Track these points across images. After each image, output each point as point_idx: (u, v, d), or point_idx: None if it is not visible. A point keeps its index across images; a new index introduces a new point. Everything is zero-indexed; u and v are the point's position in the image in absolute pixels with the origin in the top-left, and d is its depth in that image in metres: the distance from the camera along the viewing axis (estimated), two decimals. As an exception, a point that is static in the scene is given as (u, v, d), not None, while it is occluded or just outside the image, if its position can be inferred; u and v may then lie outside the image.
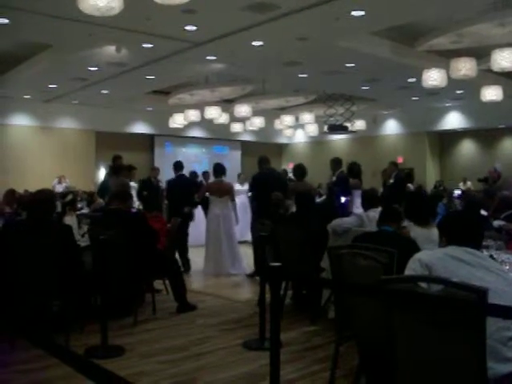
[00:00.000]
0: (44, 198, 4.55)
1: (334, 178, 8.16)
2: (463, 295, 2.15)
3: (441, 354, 2.21)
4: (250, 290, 6.61)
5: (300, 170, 7.61)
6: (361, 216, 5.15)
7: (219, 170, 8.00)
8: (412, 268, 2.55)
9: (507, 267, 3.23)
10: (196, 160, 18.37)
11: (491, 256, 3.27)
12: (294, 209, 6.54)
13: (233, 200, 7.96)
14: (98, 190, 9.12)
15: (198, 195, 8.41)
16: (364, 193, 5.83)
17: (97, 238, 4.46)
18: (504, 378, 2.26)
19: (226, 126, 15.74)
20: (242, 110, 12.98)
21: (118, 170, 7.99)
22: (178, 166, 8.37)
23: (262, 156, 7.91)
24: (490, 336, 2.17)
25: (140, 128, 17.54)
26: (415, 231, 4.05)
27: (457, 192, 12.27)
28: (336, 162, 8.23)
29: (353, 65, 10.69)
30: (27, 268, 4.24)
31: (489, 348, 2.14)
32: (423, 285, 2.38)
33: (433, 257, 2.55)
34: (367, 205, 5.28)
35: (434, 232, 3.91)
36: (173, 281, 5.56)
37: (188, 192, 8.22)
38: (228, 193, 7.93)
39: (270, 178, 7.55)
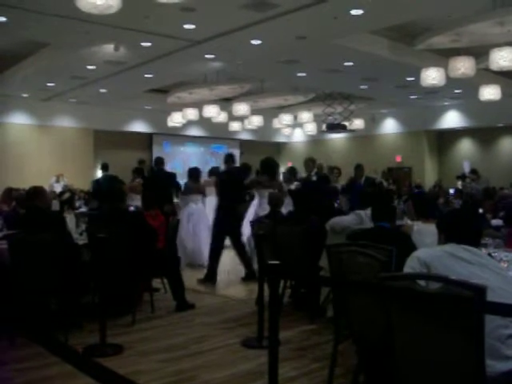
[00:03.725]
0: (34, 192, 4.74)
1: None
2: (462, 293, 2.15)
3: (439, 352, 2.21)
4: (248, 289, 6.61)
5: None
6: (360, 214, 5.14)
7: (138, 171, 9.56)
8: (411, 266, 2.55)
9: (505, 265, 3.24)
10: (194, 159, 18.31)
11: (489, 254, 3.28)
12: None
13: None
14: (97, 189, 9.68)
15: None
16: (363, 191, 5.84)
17: (95, 235, 4.46)
18: (502, 375, 2.26)
19: (224, 125, 15.73)
20: (241, 108, 12.97)
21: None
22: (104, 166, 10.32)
23: (157, 157, 8.94)
24: (489, 334, 2.17)
25: (138, 127, 17.51)
26: (420, 225, 4.24)
27: (451, 190, 12.29)
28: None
29: (351, 63, 10.69)
30: (26, 265, 4.24)
31: (487, 346, 2.14)
32: (422, 283, 2.38)
33: (431, 255, 2.55)
34: (366, 203, 5.27)
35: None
36: (171, 279, 5.55)
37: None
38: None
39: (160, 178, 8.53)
